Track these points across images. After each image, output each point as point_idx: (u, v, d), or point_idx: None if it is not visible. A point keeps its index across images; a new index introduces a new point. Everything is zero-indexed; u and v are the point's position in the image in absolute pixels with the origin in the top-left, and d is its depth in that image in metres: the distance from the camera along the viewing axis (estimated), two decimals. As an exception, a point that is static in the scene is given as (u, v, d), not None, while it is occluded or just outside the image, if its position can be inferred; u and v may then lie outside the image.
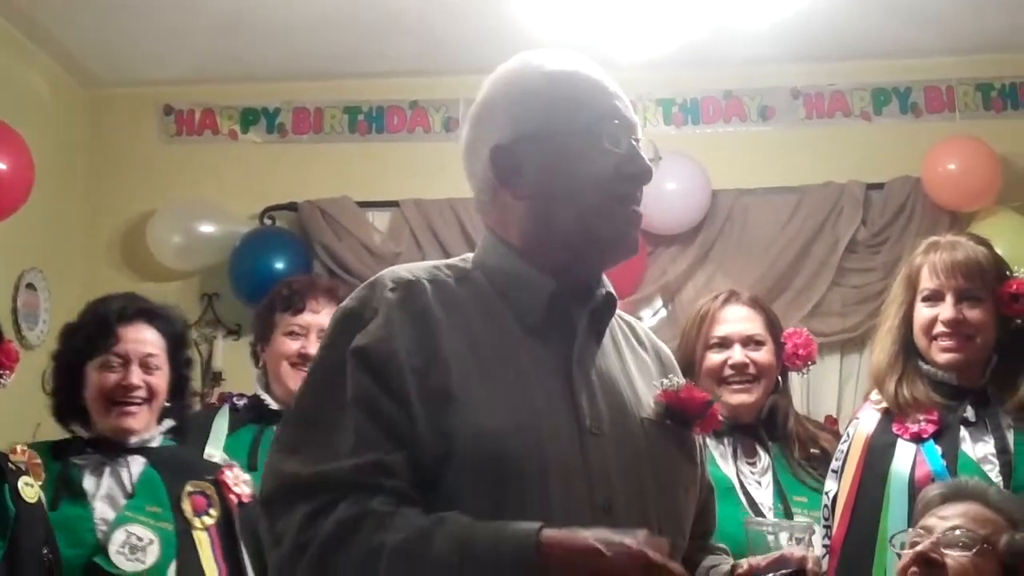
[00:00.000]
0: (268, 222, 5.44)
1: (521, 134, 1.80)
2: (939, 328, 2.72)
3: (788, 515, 2.97)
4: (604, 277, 1.87)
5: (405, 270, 1.81)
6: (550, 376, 1.73)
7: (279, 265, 5.03)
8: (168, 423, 2.97)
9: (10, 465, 2.68)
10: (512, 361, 1.72)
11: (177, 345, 3.00)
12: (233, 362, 5.12)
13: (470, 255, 1.89)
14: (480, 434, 1.63)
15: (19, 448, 2.78)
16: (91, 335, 2.88)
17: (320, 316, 3.40)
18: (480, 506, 1.59)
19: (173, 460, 2.94)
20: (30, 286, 4.91)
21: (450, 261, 1.89)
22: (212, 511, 2.86)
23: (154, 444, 2.91)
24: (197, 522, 2.82)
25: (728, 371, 3.16)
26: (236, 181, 5.50)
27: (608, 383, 1.78)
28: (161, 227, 5.32)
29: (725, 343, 3.20)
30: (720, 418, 3.06)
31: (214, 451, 3.33)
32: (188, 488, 2.86)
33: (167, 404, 2.95)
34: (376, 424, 1.63)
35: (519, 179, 1.80)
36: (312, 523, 1.58)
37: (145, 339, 2.91)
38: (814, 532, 1.58)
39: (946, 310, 2.72)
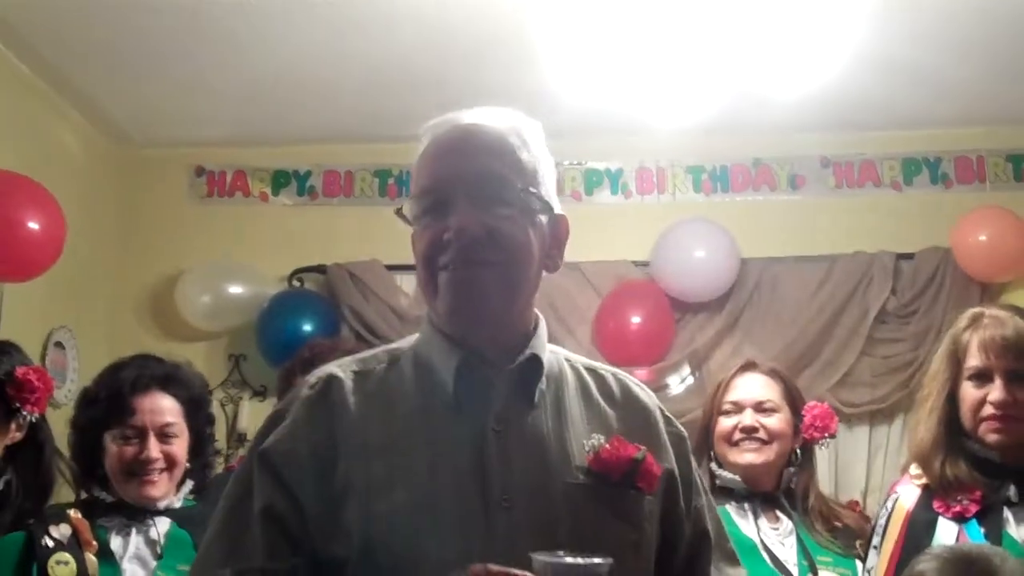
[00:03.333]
0: (297, 284, 5.46)
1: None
2: (988, 410, 2.63)
3: (814, 572, 2.98)
4: (537, 336, 1.81)
5: (336, 364, 1.84)
6: (463, 449, 1.69)
7: (307, 327, 5.04)
8: (189, 484, 2.96)
9: (46, 541, 2.65)
10: (426, 440, 1.70)
11: (195, 408, 2.97)
12: (259, 423, 5.09)
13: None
14: (372, 520, 1.63)
15: (73, 515, 2.74)
16: (108, 407, 2.86)
17: None
18: None
19: (199, 518, 2.91)
20: (59, 344, 4.93)
21: (395, 344, 1.90)
22: None
23: (177, 505, 2.90)
24: None
25: (738, 434, 3.16)
26: (266, 243, 5.53)
27: (534, 447, 1.72)
28: (190, 287, 5.34)
29: (737, 408, 3.20)
30: (725, 480, 3.12)
31: None
32: None
33: (188, 466, 2.93)
34: (278, 531, 1.66)
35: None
36: None
37: (162, 408, 2.87)
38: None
39: (996, 391, 2.62)
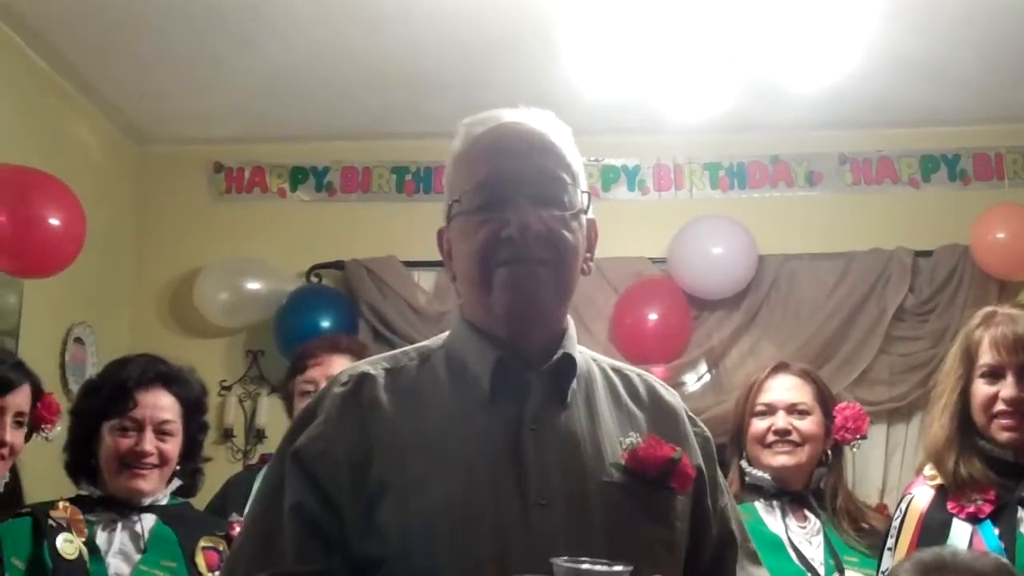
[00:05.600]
0: (315, 280, 5.48)
1: (447, 215, 1.83)
2: (1000, 406, 2.63)
3: (840, 571, 2.99)
4: (568, 336, 1.83)
5: (367, 362, 1.84)
6: (499, 447, 1.70)
7: (325, 323, 5.06)
8: (176, 483, 3.00)
9: (50, 522, 2.71)
10: (461, 437, 1.70)
11: (193, 411, 3.02)
12: (277, 419, 5.13)
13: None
14: (409, 518, 1.63)
15: (62, 504, 2.80)
16: (109, 397, 2.90)
17: (326, 368, 3.39)
18: None
19: (184, 516, 2.97)
20: (78, 340, 4.95)
21: (424, 343, 1.90)
22: None
23: (163, 503, 2.94)
24: None
25: (771, 437, 3.18)
26: (284, 239, 5.55)
27: (569, 446, 1.73)
28: (208, 283, 5.37)
29: (770, 410, 3.22)
30: (755, 477, 3.13)
31: None
32: (202, 543, 2.89)
33: (177, 467, 2.97)
34: (310, 532, 1.66)
35: (451, 261, 1.84)
36: None
37: (162, 405, 2.92)
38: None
39: (1007, 388, 2.62)
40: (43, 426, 2.88)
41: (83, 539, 2.72)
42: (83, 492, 2.90)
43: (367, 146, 5.63)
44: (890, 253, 5.23)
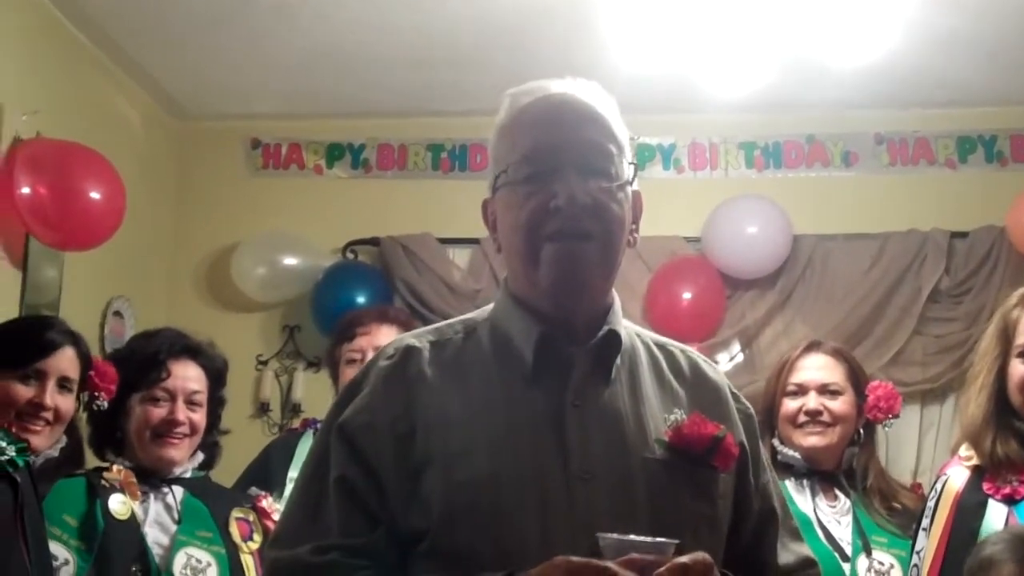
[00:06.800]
0: (350, 256, 5.50)
1: (492, 185, 1.82)
2: None
3: (867, 551, 3.00)
4: (613, 312, 1.83)
5: (413, 335, 1.86)
6: (542, 421, 1.70)
7: (360, 299, 5.08)
8: (200, 457, 3.05)
9: (103, 482, 2.76)
10: (504, 411, 1.71)
11: (217, 383, 3.08)
12: (313, 394, 5.19)
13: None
14: (453, 489, 1.64)
15: (115, 468, 2.85)
16: (140, 368, 2.94)
17: (373, 337, 3.43)
18: (461, 554, 1.62)
19: (208, 489, 3.03)
20: (117, 314, 5.00)
21: (469, 315, 1.90)
22: (256, 536, 2.97)
23: (187, 475, 2.99)
24: (244, 547, 2.91)
25: (803, 417, 3.19)
26: (320, 215, 5.58)
27: (612, 422, 1.73)
28: (245, 259, 5.41)
29: (801, 390, 3.23)
30: (787, 456, 3.13)
31: (295, 474, 3.39)
32: (236, 514, 2.96)
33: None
34: (354, 505, 1.67)
35: (496, 233, 1.83)
36: None
37: (191, 376, 2.99)
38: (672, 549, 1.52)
39: None
40: (97, 393, 2.87)
41: (136, 501, 2.78)
42: (109, 459, 2.93)
43: (403, 123, 5.63)
44: (925, 234, 5.20)
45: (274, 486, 3.28)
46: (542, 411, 1.71)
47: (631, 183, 1.80)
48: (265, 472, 3.45)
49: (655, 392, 1.82)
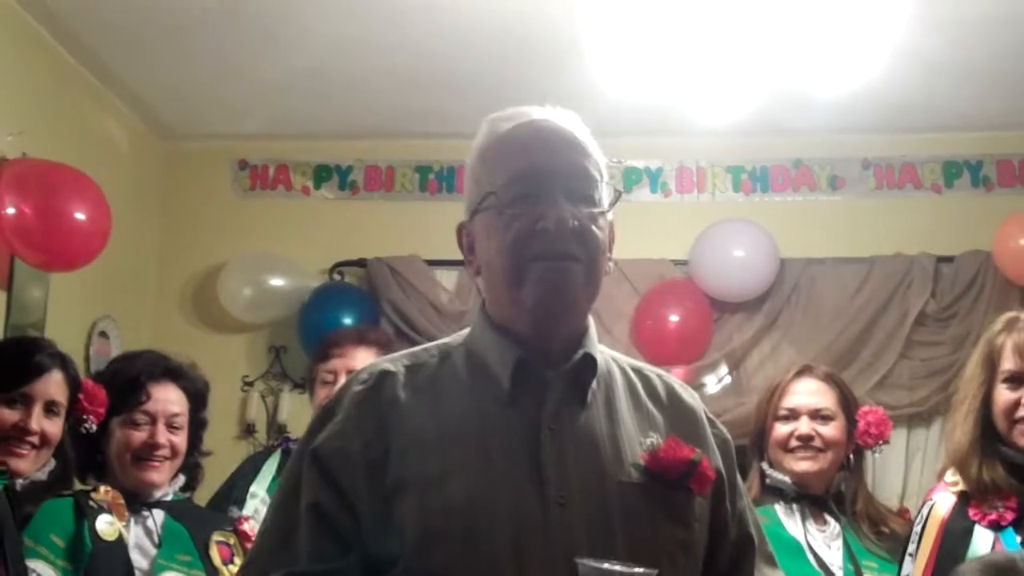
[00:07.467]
0: (337, 277, 5.50)
1: (468, 210, 1.82)
2: (1021, 412, 2.64)
3: (858, 575, 2.99)
4: (589, 336, 1.82)
5: (388, 359, 1.85)
6: (518, 446, 1.70)
7: (347, 320, 5.07)
8: (181, 479, 3.04)
9: (91, 503, 2.74)
10: (480, 435, 1.70)
11: (198, 405, 3.07)
12: (299, 415, 5.17)
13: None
14: (427, 514, 1.63)
15: (103, 488, 2.82)
16: (121, 391, 2.92)
17: (348, 360, 3.43)
18: None
19: (189, 511, 3.02)
20: (103, 334, 4.98)
21: (444, 340, 1.90)
22: (236, 559, 2.94)
23: (168, 498, 2.97)
24: (224, 570, 2.89)
25: (794, 442, 3.18)
26: (307, 236, 5.57)
27: (588, 446, 1.73)
28: (232, 279, 5.39)
29: (793, 415, 3.22)
30: (776, 480, 3.13)
31: (258, 489, 3.39)
32: (216, 537, 2.94)
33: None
34: (326, 531, 1.67)
35: (472, 256, 1.84)
36: None
37: (172, 399, 2.97)
38: None
39: None
40: (86, 416, 2.84)
41: (123, 523, 2.76)
42: (88, 484, 2.90)
43: (391, 145, 5.64)
44: (912, 259, 5.22)
45: (235, 498, 3.28)
46: (518, 435, 1.71)
47: (610, 211, 1.80)
48: (230, 485, 3.45)
49: (631, 416, 1.82)
